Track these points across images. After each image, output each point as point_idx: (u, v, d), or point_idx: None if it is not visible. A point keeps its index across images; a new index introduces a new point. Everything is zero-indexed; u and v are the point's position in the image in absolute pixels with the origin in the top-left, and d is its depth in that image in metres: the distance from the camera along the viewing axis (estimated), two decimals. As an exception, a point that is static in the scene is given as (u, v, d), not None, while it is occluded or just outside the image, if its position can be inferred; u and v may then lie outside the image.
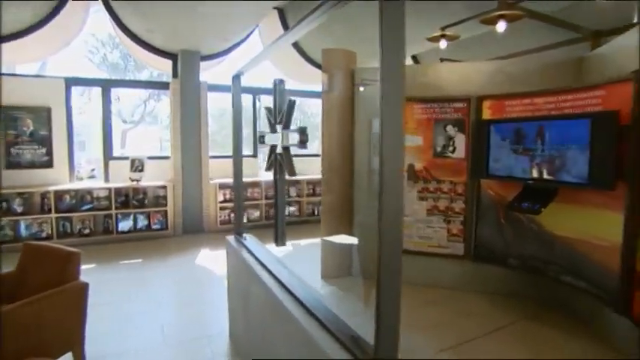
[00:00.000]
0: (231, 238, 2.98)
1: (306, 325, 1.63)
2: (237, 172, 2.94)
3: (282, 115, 2.01)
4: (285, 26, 6.70)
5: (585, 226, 2.90)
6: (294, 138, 1.88)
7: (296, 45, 7.18)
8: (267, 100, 7.90)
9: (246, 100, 6.85)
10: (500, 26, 3.19)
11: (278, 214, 2.28)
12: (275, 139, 2.12)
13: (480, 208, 3.61)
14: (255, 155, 6.95)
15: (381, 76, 1.18)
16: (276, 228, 2.28)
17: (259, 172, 6.81)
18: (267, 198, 6.43)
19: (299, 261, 4.90)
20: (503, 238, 3.49)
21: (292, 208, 6.69)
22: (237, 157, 2.92)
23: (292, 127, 1.95)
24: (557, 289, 3.37)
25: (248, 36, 6.63)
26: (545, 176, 3.01)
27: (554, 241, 3.14)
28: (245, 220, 6.22)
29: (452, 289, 3.76)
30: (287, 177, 2.20)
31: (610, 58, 2.98)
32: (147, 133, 14.21)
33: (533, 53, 4.40)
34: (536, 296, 3.50)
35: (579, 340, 2.88)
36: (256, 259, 2.43)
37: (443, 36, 4.01)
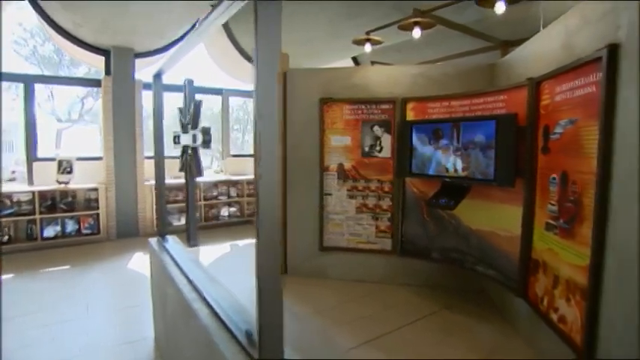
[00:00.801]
0: (153, 240, 2.92)
1: (209, 325, 1.65)
2: (159, 173, 2.88)
3: (190, 115, 2.01)
4: (225, 24, 6.64)
5: (494, 220, 3.15)
6: (200, 138, 1.89)
7: (237, 45, 7.13)
8: (213, 101, 7.77)
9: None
10: (416, 33, 3.37)
11: (189, 214, 2.27)
12: (187, 139, 2.12)
13: (405, 206, 3.79)
14: (195, 155, 6.81)
15: (256, 82, 1.20)
16: (188, 229, 2.27)
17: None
18: (205, 199, 6.33)
19: (236, 262, 4.89)
20: (426, 233, 3.70)
21: (233, 209, 6.63)
22: (158, 157, 2.86)
23: (199, 127, 1.96)
24: (474, 279, 3.63)
25: (187, 33, 6.49)
26: (459, 174, 3.23)
27: (470, 235, 3.37)
28: (183, 222, 6.09)
29: (381, 283, 3.92)
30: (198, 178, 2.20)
31: (513, 65, 3.25)
32: (85, 132, 13.43)
33: (457, 58, 4.68)
34: (457, 286, 3.74)
35: (490, 325, 3.12)
36: (173, 260, 2.40)
37: (367, 40, 4.17)
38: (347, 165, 3.92)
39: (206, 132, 1.78)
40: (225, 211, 6.58)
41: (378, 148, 3.84)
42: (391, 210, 3.85)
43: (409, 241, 3.79)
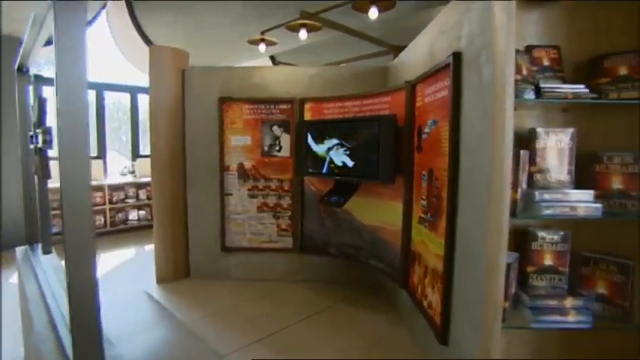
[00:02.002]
0: (21, 250, 2.67)
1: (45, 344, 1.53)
2: (26, 173, 2.64)
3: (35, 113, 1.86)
4: (132, 12, 6.25)
5: (382, 215, 3.31)
6: (41, 138, 1.76)
7: (148, 41, 6.77)
8: (117, 97, 7.30)
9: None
10: (302, 34, 3.45)
11: (41, 220, 2.10)
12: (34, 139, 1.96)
13: (304, 204, 3.86)
14: (100, 157, 6.37)
15: (56, 85, 1.11)
16: (41, 235, 2.11)
17: (105, 175, 6.27)
18: (111, 202, 5.94)
19: (137, 267, 4.66)
20: (324, 229, 3.80)
21: (143, 212, 6.30)
22: (24, 157, 2.62)
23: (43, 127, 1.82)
24: (368, 272, 3.80)
25: (91, 22, 6.02)
26: (348, 172, 3.35)
27: (363, 230, 3.52)
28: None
29: (284, 280, 3.96)
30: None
31: (399, 69, 3.45)
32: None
33: (358, 60, 4.87)
34: (355, 280, 3.89)
35: (381, 316, 3.28)
36: (34, 272, 2.21)
37: (262, 40, 4.18)
38: (247, 165, 3.90)
39: (46, 132, 1.66)
40: (134, 215, 6.22)
41: (277, 147, 3.87)
42: (291, 208, 3.90)
43: (309, 238, 3.87)
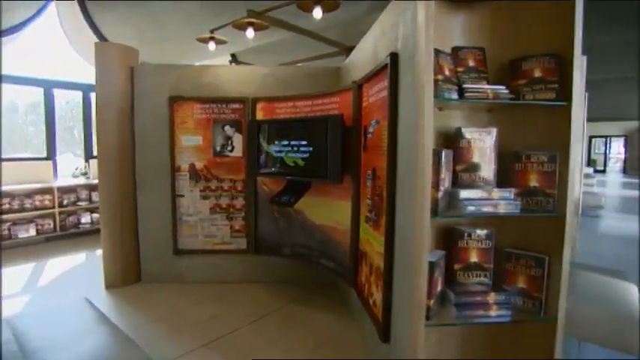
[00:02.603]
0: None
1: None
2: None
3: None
4: (85, 9, 6.02)
5: (332, 215, 3.32)
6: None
7: (102, 37, 6.53)
8: (72, 95, 7.01)
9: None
10: (249, 33, 3.42)
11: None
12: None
13: (258, 204, 3.82)
14: (49, 158, 6.09)
15: None
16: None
17: (55, 176, 6.00)
18: (61, 205, 5.69)
19: (86, 273, 4.48)
20: (278, 230, 3.77)
21: (96, 215, 6.06)
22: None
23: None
24: (322, 272, 3.80)
25: (36, 16, 5.73)
26: (300, 172, 3.33)
27: (315, 230, 3.52)
28: (34, 233, 5.40)
29: (239, 282, 3.91)
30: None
31: (350, 69, 3.46)
32: None
33: (316, 60, 4.87)
34: (308, 280, 3.89)
35: (332, 315, 3.29)
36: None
37: (212, 38, 4.12)
38: (199, 165, 3.82)
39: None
40: (87, 218, 5.98)
41: (229, 147, 3.81)
42: (245, 209, 3.85)
43: (262, 238, 3.83)
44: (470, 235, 1.81)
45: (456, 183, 1.78)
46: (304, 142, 3.28)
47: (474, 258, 1.82)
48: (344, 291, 3.59)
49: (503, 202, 1.68)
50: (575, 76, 1.62)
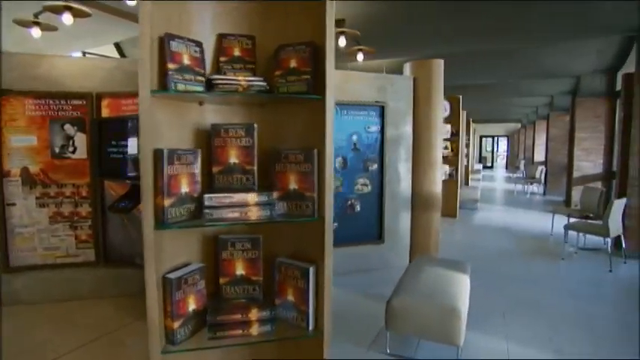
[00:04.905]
0: None
1: None
2: None
3: None
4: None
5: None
6: None
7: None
8: None
9: None
10: (66, 19, 3.06)
11: None
12: None
13: (105, 211, 3.45)
14: None
15: None
16: None
17: None
18: None
19: None
20: (129, 238, 3.43)
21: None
22: None
23: None
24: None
25: None
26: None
27: (167, 237, 3.21)
28: None
29: (88, 298, 3.50)
30: None
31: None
32: None
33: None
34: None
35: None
36: None
37: (36, 23, 3.67)
38: (34, 169, 3.36)
39: None
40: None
41: (71, 148, 3.40)
42: (91, 217, 3.46)
43: (113, 248, 3.47)
44: (234, 245, 1.61)
45: (212, 186, 1.57)
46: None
47: (240, 270, 1.63)
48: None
49: (258, 207, 1.49)
50: (327, 68, 1.47)
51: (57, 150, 3.39)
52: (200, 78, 1.50)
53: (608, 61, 7.65)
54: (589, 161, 8.30)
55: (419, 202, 4.84)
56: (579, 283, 4.21)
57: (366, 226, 4.61)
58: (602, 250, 5.25)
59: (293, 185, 1.55)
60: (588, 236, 5.36)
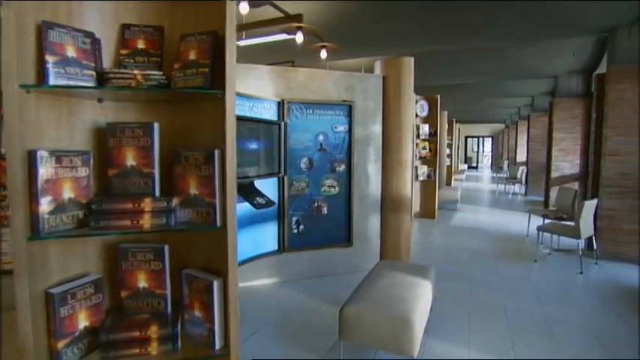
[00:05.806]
0: None
1: None
2: None
3: None
4: None
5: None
6: None
7: None
8: None
9: None
10: None
11: None
12: None
13: None
14: None
15: None
16: None
17: None
18: None
19: None
20: None
21: None
22: None
23: None
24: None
25: None
26: None
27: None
28: None
29: None
30: None
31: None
32: None
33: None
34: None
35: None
36: None
37: None
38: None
39: None
40: None
41: None
42: None
43: None
44: (135, 255, 1.47)
45: (109, 191, 1.42)
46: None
47: (142, 282, 1.48)
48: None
49: (151, 215, 1.35)
50: (228, 61, 1.34)
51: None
52: (89, 72, 1.35)
53: (584, 62, 7.64)
54: (567, 161, 8.29)
55: (389, 203, 4.71)
56: (548, 286, 4.13)
57: (333, 228, 4.49)
58: (575, 251, 5.20)
59: (193, 190, 1.41)
60: (563, 237, 5.30)
